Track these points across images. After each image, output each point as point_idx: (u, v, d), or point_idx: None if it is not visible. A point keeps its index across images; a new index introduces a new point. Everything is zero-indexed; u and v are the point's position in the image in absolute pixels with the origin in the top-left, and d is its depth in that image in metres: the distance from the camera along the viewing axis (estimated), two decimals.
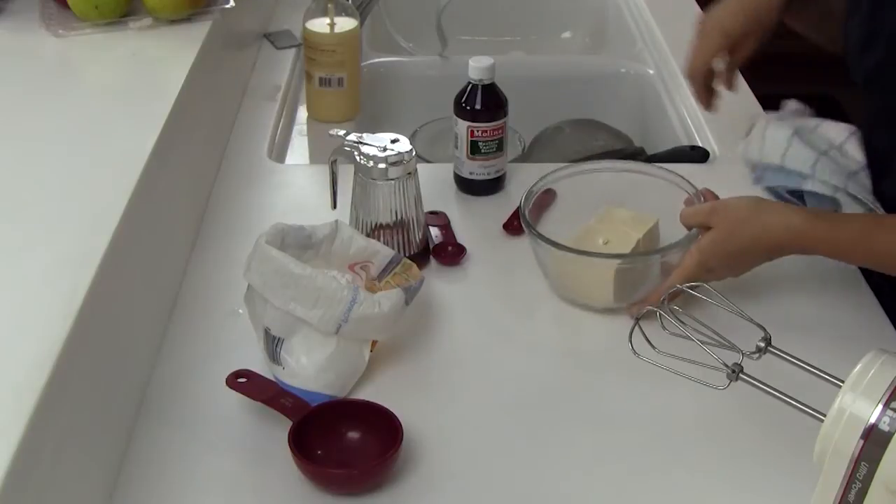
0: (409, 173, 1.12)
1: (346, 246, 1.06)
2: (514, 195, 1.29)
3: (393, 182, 1.11)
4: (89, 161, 1.02)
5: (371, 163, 1.10)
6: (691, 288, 0.89)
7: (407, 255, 1.13)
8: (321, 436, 0.92)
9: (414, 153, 1.12)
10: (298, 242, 1.03)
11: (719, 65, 1.28)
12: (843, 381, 0.74)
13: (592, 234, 1.14)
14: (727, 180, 1.33)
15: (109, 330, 0.90)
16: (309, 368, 0.97)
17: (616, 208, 1.17)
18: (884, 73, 1.11)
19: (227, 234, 1.22)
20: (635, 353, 0.86)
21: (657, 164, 1.18)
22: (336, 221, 1.07)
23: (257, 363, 1.01)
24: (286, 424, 0.93)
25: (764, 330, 0.83)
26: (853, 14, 1.15)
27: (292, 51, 1.67)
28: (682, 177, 1.15)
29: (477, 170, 1.29)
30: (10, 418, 0.70)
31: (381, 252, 1.08)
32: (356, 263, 1.06)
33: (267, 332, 0.98)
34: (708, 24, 1.26)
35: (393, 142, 1.12)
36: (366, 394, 0.99)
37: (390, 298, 0.98)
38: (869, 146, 1.19)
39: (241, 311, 1.04)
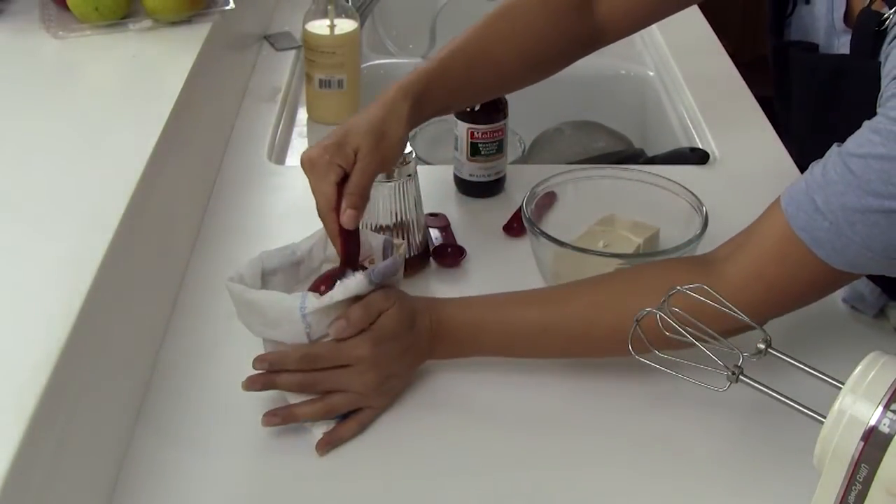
0: (409, 175, 1.12)
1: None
2: (514, 197, 1.29)
3: (393, 184, 1.11)
4: (89, 163, 1.02)
5: None
6: (691, 289, 0.89)
7: (407, 256, 1.13)
8: None
9: (414, 155, 1.12)
10: (284, 261, 1.00)
11: None
12: (843, 383, 0.74)
13: (593, 238, 1.15)
14: (726, 182, 1.34)
15: (109, 331, 0.90)
16: None
17: (618, 215, 1.17)
18: None
19: (227, 235, 1.22)
20: (635, 354, 0.86)
21: (662, 175, 1.17)
22: (319, 230, 1.02)
23: None
24: (287, 426, 0.94)
25: (764, 331, 0.83)
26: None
27: (292, 52, 1.67)
28: (685, 188, 1.14)
29: (477, 171, 1.29)
30: (11, 419, 0.70)
31: (374, 243, 1.04)
32: (363, 260, 1.05)
33: None
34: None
35: None
36: None
37: (348, 286, 0.94)
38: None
39: None
